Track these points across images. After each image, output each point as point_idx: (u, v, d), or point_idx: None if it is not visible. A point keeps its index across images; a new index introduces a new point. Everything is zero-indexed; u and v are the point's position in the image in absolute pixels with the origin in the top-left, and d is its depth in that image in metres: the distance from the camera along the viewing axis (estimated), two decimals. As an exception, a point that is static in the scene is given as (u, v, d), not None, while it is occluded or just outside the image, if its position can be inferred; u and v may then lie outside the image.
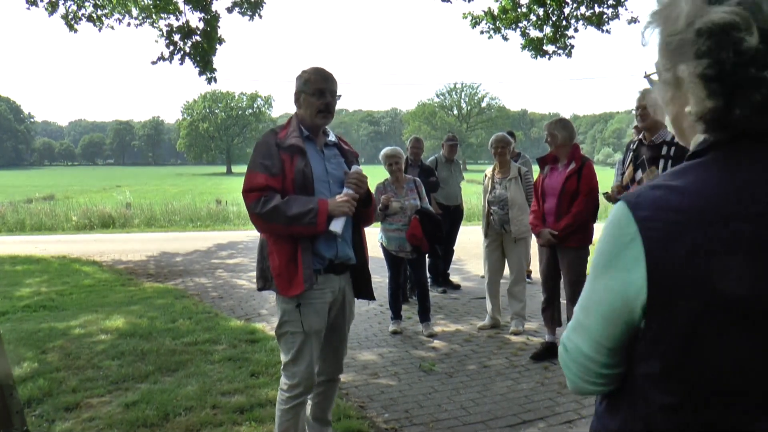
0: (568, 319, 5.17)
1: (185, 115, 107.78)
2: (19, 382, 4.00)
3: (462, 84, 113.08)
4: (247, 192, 3.06)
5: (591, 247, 5.34)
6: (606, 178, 5.28)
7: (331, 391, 3.55)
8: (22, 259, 11.45)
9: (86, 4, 12.80)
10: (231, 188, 38.59)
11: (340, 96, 3.24)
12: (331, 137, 3.34)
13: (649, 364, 1.05)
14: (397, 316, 6.36)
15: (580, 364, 1.15)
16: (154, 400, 4.30)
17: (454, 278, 8.64)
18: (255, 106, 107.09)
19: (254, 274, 3.42)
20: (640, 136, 4.46)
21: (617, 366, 1.13)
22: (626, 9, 11.67)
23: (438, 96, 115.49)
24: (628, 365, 1.11)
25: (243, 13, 12.43)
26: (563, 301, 5.44)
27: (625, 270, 1.04)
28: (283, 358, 3.20)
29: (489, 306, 6.44)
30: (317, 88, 3.14)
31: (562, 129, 5.22)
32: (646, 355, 1.06)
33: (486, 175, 6.48)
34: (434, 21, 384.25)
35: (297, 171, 3.05)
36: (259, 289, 3.27)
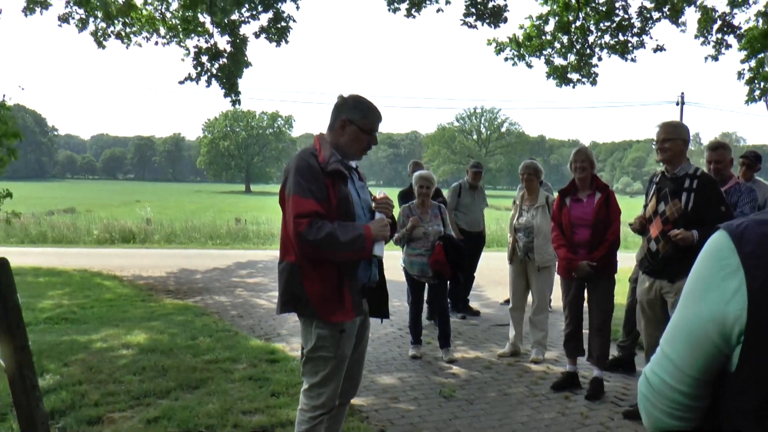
0: (591, 349, 5.16)
1: (206, 133, 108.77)
2: (42, 394, 4.02)
3: (482, 108, 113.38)
4: (297, 218, 2.93)
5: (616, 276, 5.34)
6: (628, 207, 5.27)
7: (341, 415, 3.54)
8: (44, 271, 11.58)
9: (116, 21, 13.04)
10: (250, 207, 38.88)
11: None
12: (353, 162, 3.33)
13: (746, 398, 1.04)
14: (417, 340, 6.34)
15: (665, 397, 1.14)
16: (176, 417, 4.32)
17: (473, 304, 8.60)
18: (275, 125, 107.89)
19: (274, 294, 3.43)
20: (663, 169, 4.46)
21: (702, 398, 1.12)
22: (651, 37, 11.66)
23: (458, 120, 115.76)
24: (713, 401, 1.11)
25: (270, 39, 12.58)
26: (585, 331, 5.41)
27: (722, 300, 1.04)
28: (310, 380, 3.15)
29: (511, 333, 6.41)
30: (372, 128, 3.16)
31: (593, 156, 5.23)
32: (742, 390, 1.04)
33: (515, 202, 6.49)
34: (454, 45, 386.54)
35: (341, 197, 3.03)
36: (282, 312, 3.17)
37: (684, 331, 1.11)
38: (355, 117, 3.13)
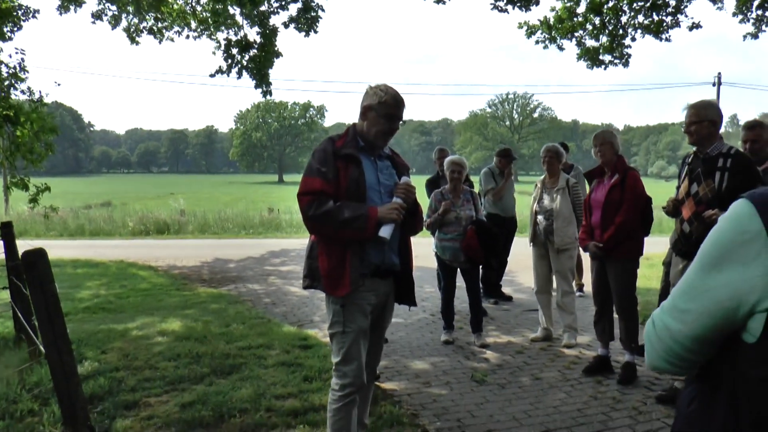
0: (620, 332, 5.11)
1: (238, 125, 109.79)
2: (81, 379, 4.13)
3: (514, 94, 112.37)
4: (301, 195, 3.17)
5: (641, 260, 5.26)
6: (662, 192, 5.17)
7: (366, 394, 3.62)
8: (82, 262, 11.83)
9: (147, 17, 13.18)
10: (283, 197, 39.11)
11: (404, 122, 3.36)
12: (385, 149, 3.45)
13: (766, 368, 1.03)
14: (449, 326, 6.34)
15: (666, 344, 1.16)
16: (210, 402, 4.39)
17: (505, 290, 8.57)
18: (307, 115, 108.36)
19: (307, 281, 3.49)
20: (695, 149, 4.37)
21: (702, 354, 1.13)
22: (686, 16, 11.34)
23: (490, 106, 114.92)
24: (730, 367, 1.10)
25: (299, 29, 12.58)
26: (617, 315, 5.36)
27: (741, 264, 1.04)
28: (334, 358, 3.29)
29: (541, 317, 6.37)
30: (389, 113, 3.25)
31: (614, 138, 5.16)
32: (764, 359, 1.04)
33: (536, 185, 6.45)
34: (484, 29, 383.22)
35: (351, 179, 3.16)
36: (305, 287, 3.39)
37: (699, 291, 1.10)
38: (373, 103, 3.26)
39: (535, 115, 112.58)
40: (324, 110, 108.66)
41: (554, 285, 6.38)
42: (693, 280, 1.13)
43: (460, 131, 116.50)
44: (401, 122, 3.33)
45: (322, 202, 3.08)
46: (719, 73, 38.26)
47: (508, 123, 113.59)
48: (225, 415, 4.19)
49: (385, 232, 3.13)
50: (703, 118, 4.22)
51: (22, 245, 5.00)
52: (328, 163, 3.16)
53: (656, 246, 8.17)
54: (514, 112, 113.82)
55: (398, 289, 3.49)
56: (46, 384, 4.54)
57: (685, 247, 4.35)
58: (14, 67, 9.77)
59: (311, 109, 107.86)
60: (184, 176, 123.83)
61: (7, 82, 9.66)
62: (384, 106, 3.23)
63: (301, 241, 15.20)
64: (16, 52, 9.88)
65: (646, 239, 5.19)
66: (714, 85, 37.98)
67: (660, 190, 5.70)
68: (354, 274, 3.13)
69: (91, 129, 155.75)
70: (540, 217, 6.19)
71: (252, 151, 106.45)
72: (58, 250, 12.22)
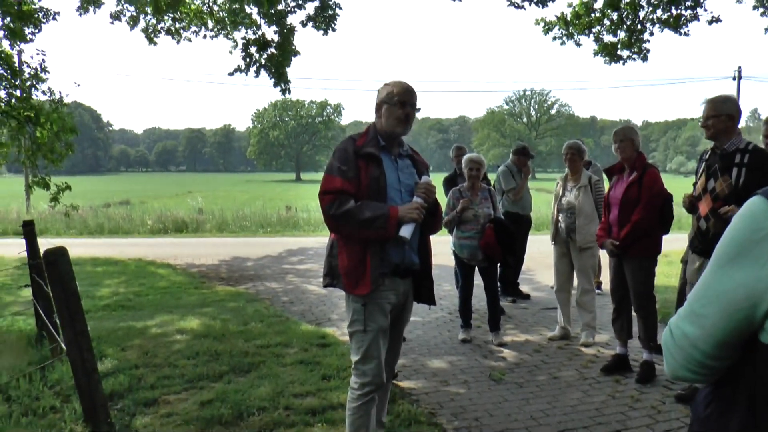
0: (638, 330, 5.07)
1: (256, 123, 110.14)
2: (101, 377, 4.17)
3: (531, 91, 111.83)
4: (322, 194, 3.19)
5: (660, 258, 5.22)
6: (681, 188, 5.11)
7: (384, 393, 3.64)
8: (102, 261, 11.94)
9: (165, 18, 13.26)
10: (300, 195, 39.22)
11: (419, 109, 3.39)
12: (406, 148, 3.48)
13: None
14: (467, 324, 6.33)
15: (685, 352, 1.13)
16: (229, 400, 4.42)
17: (523, 288, 8.54)
18: (324, 114, 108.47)
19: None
20: (713, 145, 4.33)
21: (723, 359, 1.10)
22: (705, 10, 11.19)
23: (507, 103, 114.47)
24: (750, 369, 1.08)
25: (317, 27, 12.60)
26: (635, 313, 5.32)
27: (756, 263, 1.02)
28: (353, 357, 3.31)
29: (559, 316, 6.34)
30: (400, 100, 3.27)
31: (635, 135, 5.12)
32: None
33: (558, 182, 6.41)
34: (502, 27, 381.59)
35: (372, 178, 3.18)
36: (325, 286, 3.41)
37: (715, 293, 1.09)
38: (383, 96, 3.33)
39: (553, 111, 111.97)
40: (341, 108, 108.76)
41: (574, 283, 6.35)
42: (709, 282, 1.11)
43: (477, 128, 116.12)
44: (417, 109, 3.36)
45: (343, 201, 3.10)
46: (739, 67, 37.87)
47: (525, 120, 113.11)
48: (244, 413, 4.22)
49: (406, 231, 3.14)
50: (720, 112, 4.18)
51: (43, 244, 5.07)
52: (349, 162, 3.18)
53: (676, 243, 8.09)
54: (532, 108, 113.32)
55: (417, 288, 3.50)
56: (67, 381, 4.59)
57: (701, 244, 4.31)
58: (35, 68, 9.87)
59: (328, 107, 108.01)
60: (201, 175, 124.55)
61: (28, 83, 9.76)
62: (393, 95, 3.28)
63: (318, 240, 15.24)
64: (38, 53, 9.99)
65: (665, 237, 5.15)
66: (734, 79, 37.62)
67: (679, 186, 5.61)
68: (374, 273, 3.15)
69: (110, 128, 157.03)
70: (562, 215, 6.15)
71: (269, 150, 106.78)
72: (77, 248, 12.33)
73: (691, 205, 4.41)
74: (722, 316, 1.07)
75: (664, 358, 1.21)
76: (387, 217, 3.08)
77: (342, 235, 3.22)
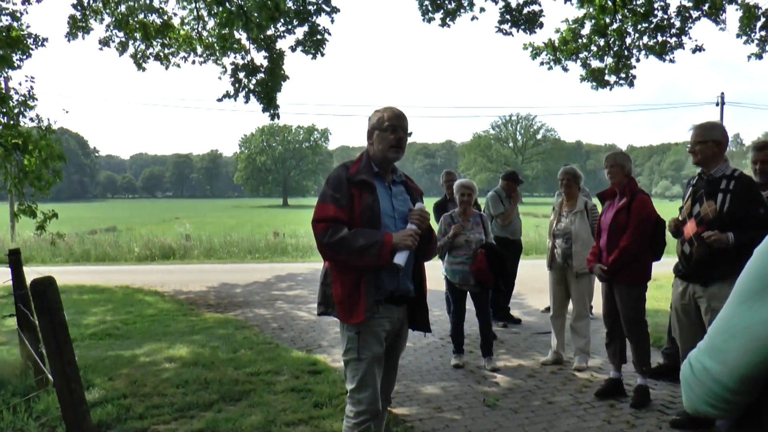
0: (631, 355, 5.04)
1: (243, 149, 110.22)
2: (89, 407, 4.07)
3: (518, 116, 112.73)
4: (315, 222, 3.17)
5: (649, 282, 5.21)
6: (666, 212, 5.12)
7: (380, 421, 3.57)
8: (88, 288, 11.79)
9: (154, 43, 13.28)
10: (288, 220, 39.13)
11: (411, 133, 3.38)
12: (399, 174, 3.48)
13: None
14: (459, 349, 6.28)
15: (706, 386, 1.11)
16: (220, 429, 4.34)
17: (514, 312, 8.50)
18: (312, 139, 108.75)
19: (314, 306, 3.48)
20: (700, 171, 4.35)
21: (745, 393, 1.08)
22: (690, 38, 11.41)
23: (493, 128, 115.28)
24: (765, 399, 1.06)
25: (306, 52, 12.64)
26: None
27: None
28: (348, 385, 3.26)
29: (553, 340, 6.31)
30: (391, 125, 3.27)
31: (626, 161, 5.14)
32: None
33: (554, 208, 6.41)
34: (489, 52, 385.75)
35: (365, 205, 3.17)
36: (319, 314, 3.37)
37: (738, 329, 1.06)
38: (374, 122, 3.35)
39: (539, 136, 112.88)
40: (328, 133, 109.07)
41: (569, 309, 6.32)
42: (731, 316, 1.09)
43: (464, 153, 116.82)
44: (408, 134, 3.36)
45: (337, 229, 3.09)
46: (722, 93, 38.43)
47: (511, 144, 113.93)
48: (235, 443, 4.14)
49: (400, 259, 3.11)
50: (708, 138, 4.20)
51: (29, 272, 4.99)
52: (342, 190, 3.18)
53: (665, 267, 8.08)
54: (518, 133, 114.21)
55: (412, 314, 3.47)
56: (53, 412, 4.50)
57: (684, 268, 4.30)
58: (24, 95, 9.81)
59: (315, 132, 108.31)
60: (188, 200, 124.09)
61: (16, 110, 9.69)
62: (385, 121, 3.28)
63: (307, 266, 15.17)
64: (26, 80, 9.94)
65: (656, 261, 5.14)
66: (717, 105, 38.12)
67: (664, 210, 5.57)
68: (369, 301, 3.12)
69: (96, 154, 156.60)
70: (558, 240, 6.14)
71: (256, 175, 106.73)
72: (63, 275, 12.17)
73: (677, 228, 4.42)
74: (746, 351, 1.05)
75: (683, 391, 1.18)
76: (381, 245, 3.06)
77: (336, 262, 3.20)
